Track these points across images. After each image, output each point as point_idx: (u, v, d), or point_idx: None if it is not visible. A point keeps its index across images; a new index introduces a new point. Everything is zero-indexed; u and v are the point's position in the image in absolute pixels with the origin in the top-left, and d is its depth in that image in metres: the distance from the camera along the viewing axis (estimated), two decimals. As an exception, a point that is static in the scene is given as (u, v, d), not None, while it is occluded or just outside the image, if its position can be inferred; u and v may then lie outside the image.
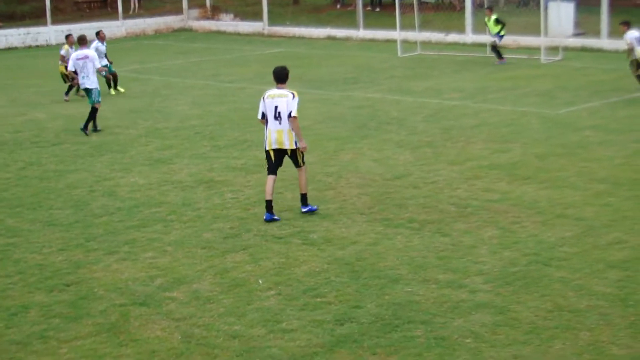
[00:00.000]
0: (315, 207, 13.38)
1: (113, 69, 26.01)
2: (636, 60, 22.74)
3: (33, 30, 41.88)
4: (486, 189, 14.39)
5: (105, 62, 24.79)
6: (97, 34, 25.41)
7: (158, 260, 11.47)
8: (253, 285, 10.48)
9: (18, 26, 42.66)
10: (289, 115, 12.88)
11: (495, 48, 30.55)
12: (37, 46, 41.24)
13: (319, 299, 9.99)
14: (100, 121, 21.05)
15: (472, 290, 10.14)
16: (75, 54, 20.24)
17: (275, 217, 13.03)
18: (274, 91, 13.09)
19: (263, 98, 13.12)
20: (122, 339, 9.07)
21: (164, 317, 9.62)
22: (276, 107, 12.92)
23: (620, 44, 26.81)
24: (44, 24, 42.30)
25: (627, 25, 23.44)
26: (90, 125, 19.80)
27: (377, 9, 47.29)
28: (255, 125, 20.12)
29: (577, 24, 35.38)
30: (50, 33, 42.06)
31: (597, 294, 9.95)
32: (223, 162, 16.77)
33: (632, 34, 22.82)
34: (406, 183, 14.92)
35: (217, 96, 24.84)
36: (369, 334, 9.02)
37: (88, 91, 20.02)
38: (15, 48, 40.63)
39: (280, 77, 13.13)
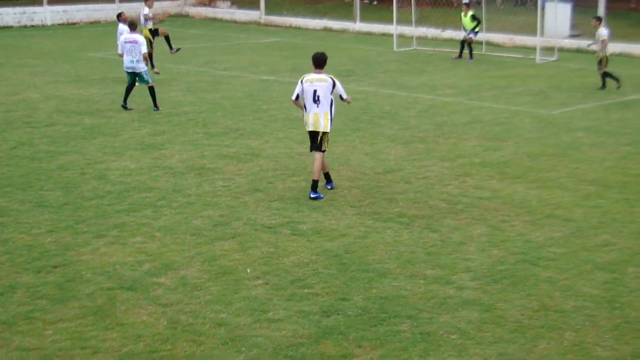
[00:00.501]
0: (322, 195, 13.52)
1: None
2: (606, 57, 23.34)
3: (29, 9, 41.65)
4: (477, 187, 14.42)
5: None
6: (119, 16, 25.26)
7: (147, 245, 11.47)
8: (241, 274, 10.49)
9: (14, 5, 42.44)
10: (341, 98, 13.93)
11: (468, 44, 30.46)
12: (33, 26, 41.08)
13: (306, 290, 10.01)
14: (92, 104, 21.03)
15: (459, 286, 10.17)
16: (125, 37, 20.80)
17: (320, 196, 13.58)
18: (312, 76, 13.67)
19: (301, 81, 13.66)
20: (108, 323, 9.07)
21: (150, 302, 9.62)
22: (315, 91, 13.55)
23: (613, 47, 26.93)
24: (40, 3, 42.09)
25: (599, 20, 24.08)
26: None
27: (375, 2, 47.29)
28: (248, 114, 20.15)
29: (574, 25, 35.45)
30: (46, 13, 41.90)
31: (584, 295, 9.99)
32: (215, 150, 16.75)
33: (605, 30, 23.47)
34: (397, 178, 14.94)
35: (211, 83, 24.79)
36: (355, 327, 9.03)
37: (138, 75, 20.58)
38: (10, 27, 40.43)
39: (319, 62, 13.81)
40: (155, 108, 20.74)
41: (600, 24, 24.14)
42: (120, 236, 11.80)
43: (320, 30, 40.30)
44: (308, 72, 14.03)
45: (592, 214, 13.07)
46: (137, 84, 20.87)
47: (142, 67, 20.57)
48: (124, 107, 20.68)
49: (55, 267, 10.65)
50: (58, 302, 9.58)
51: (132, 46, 20.43)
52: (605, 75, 23.98)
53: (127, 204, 13.26)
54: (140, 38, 20.71)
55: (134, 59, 20.46)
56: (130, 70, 20.65)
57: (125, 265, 10.73)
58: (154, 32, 26.79)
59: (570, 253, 11.35)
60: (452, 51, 32.10)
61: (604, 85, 24.11)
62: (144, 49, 20.56)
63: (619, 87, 23.75)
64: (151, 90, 20.79)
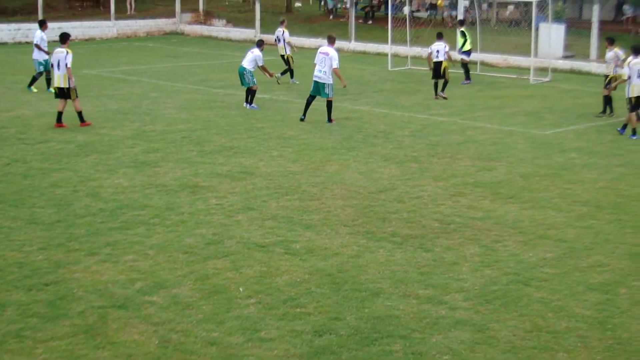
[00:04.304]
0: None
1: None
2: (614, 77, 22.84)
3: (24, 26, 41.60)
4: (470, 207, 14.43)
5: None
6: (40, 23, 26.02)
7: (139, 263, 11.44)
8: (233, 293, 10.46)
9: (9, 22, 42.48)
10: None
11: (462, 65, 30.34)
12: (27, 42, 40.91)
13: (298, 309, 9.98)
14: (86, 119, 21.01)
15: (451, 307, 10.16)
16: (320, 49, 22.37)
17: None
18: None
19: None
20: (99, 341, 9.03)
21: (142, 321, 9.59)
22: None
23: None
24: (35, 20, 42.04)
25: (610, 42, 23.74)
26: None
27: (370, 22, 47.44)
28: (242, 132, 20.17)
29: (567, 46, 35.61)
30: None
31: (576, 316, 9.99)
32: (208, 168, 16.74)
33: (611, 52, 23.19)
34: (391, 197, 14.94)
35: (206, 101, 24.81)
36: (348, 347, 9.01)
37: (321, 85, 21.70)
38: (5, 43, 40.46)
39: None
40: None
41: (611, 44, 23.69)
42: (112, 254, 11.77)
43: (316, 48, 40.19)
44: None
45: (584, 234, 13.08)
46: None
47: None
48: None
49: (47, 285, 10.61)
50: (49, 321, 9.53)
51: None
52: (607, 100, 23.53)
53: (119, 222, 13.23)
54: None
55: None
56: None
57: (117, 284, 10.69)
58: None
59: (562, 274, 11.35)
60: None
61: (604, 111, 23.59)
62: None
63: (599, 115, 23.38)
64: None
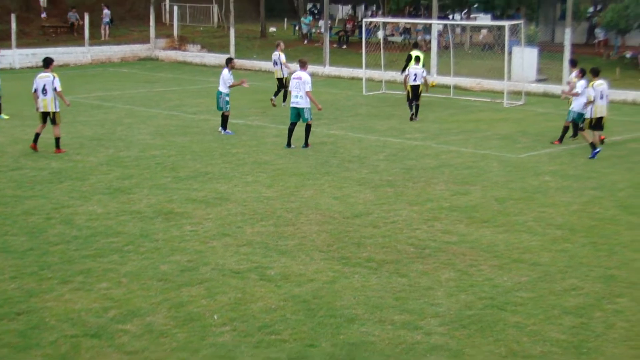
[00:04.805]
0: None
1: None
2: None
3: (-6, 52, 41.54)
4: (445, 231, 14.45)
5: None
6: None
7: (112, 291, 11.35)
8: (208, 320, 10.40)
9: (-19, 47, 42.32)
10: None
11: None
12: (1, 69, 40.87)
13: (273, 336, 9.93)
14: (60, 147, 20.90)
15: (427, 332, 10.14)
16: (293, 74, 22.44)
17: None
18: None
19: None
20: (71, 371, 8.94)
21: (115, 349, 9.50)
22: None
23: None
24: (9, 46, 41.99)
25: (575, 64, 23.76)
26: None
27: (344, 46, 47.63)
28: (217, 157, 20.13)
29: (540, 69, 35.91)
30: (14, 56, 41.75)
31: (551, 340, 10.00)
32: (183, 194, 16.68)
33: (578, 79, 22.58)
34: (366, 222, 14.94)
35: (181, 127, 24.75)
36: (323, 374, 8.96)
37: (300, 110, 21.68)
38: (-23, 70, 40.25)
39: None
40: (304, 146, 21.94)
41: (574, 67, 23.70)
42: (85, 282, 11.67)
43: (290, 73, 40.36)
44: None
45: (559, 258, 13.12)
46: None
47: (305, 103, 21.90)
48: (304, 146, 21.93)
49: (19, 314, 10.50)
50: (20, 351, 9.43)
51: (297, 82, 21.63)
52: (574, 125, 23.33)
53: (93, 249, 13.14)
54: (305, 76, 21.67)
55: (298, 94, 21.77)
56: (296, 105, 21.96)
57: (90, 312, 10.59)
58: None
59: (537, 297, 11.37)
60: (421, 95, 32.14)
61: (575, 135, 23.29)
62: (308, 87, 21.71)
63: (572, 138, 23.38)
64: (307, 128, 21.89)
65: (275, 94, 29.21)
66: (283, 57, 29.70)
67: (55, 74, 20.76)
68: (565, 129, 23.16)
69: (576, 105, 22.26)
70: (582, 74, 22.67)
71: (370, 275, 12.13)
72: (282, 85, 29.20)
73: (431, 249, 13.45)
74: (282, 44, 31.05)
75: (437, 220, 15.09)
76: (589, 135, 21.39)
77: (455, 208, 15.94)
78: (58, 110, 20.55)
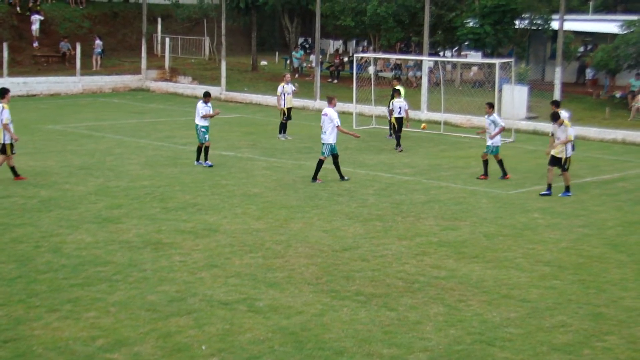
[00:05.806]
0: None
1: None
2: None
3: (-14, 81, 41.54)
4: (434, 266, 14.45)
5: None
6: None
7: (100, 320, 11.29)
8: (196, 351, 10.35)
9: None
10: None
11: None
12: (-9, 97, 40.90)
13: (261, 368, 9.89)
14: (48, 177, 20.86)
15: (415, 366, 10.11)
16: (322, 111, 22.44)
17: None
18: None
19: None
20: (58, 400, 8.87)
21: (102, 379, 9.44)
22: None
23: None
24: (0, 75, 42.02)
25: (558, 105, 23.82)
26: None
27: (335, 81, 47.87)
28: (206, 189, 20.12)
29: (530, 107, 36.12)
30: (6, 85, 41.43)
31: (540, 376, 9.98)
32: (172, 225, 16.66)
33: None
34: (355, 255, 14.93)
35: (170, 158, 24.77)
36: (311, 407, 8.92)
37: (325, 145, 22.03)
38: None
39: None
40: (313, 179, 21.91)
41: (557, 107, 23.59)
42: (73, 311, 11.62)
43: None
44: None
45: (548, 294, 13.13)
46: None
47: (330, 139, 22.02)
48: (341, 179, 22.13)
49: (6, 342, 10.44)
50: (7, 378, 9.36)
51: (323, 119, 21.91)
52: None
53: (81, 278, 13.09)
54: (330, 112, 21.81)
55: (324, 131, 22.02)
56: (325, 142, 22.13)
57: (78, 341, 10.54)
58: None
59: (526, 334, 11.37)
60: (411, 131, 32.29)
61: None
62: (337, 122, 21.83)
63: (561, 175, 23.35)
64: (320, 163, 21.99)
65: (281, 131, 29.84)
66: (291, 87, 30.64)
67: (5, 106, 20.11)
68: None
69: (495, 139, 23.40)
70: (557, 105, 23.33)
71: (359, 309, 12.12)
72: (287, 116, 29.99)
73: (420, 283, 13.45)
74: (287, 76, 31.68)
75: (426, 255, 15.10)
76: (569, 175, 21.26)
77: (445, 243, 15.96)
78: (8, 142, 20.13)
